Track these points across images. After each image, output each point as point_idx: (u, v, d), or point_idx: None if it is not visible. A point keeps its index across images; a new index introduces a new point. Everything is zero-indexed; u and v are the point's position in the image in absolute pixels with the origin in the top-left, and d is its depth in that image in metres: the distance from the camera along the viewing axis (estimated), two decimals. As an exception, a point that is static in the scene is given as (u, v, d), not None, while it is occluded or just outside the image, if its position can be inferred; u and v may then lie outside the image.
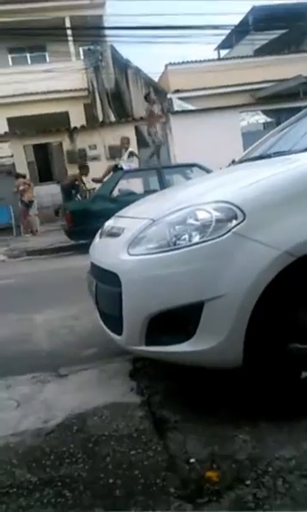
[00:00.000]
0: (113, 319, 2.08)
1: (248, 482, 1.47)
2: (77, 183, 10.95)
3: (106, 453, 1.72)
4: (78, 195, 10.76)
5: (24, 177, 12.21)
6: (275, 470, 1.52)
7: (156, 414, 1.97)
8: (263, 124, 14.77)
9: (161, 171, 8.60)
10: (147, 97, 11.39)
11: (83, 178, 10.78)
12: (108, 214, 3.04)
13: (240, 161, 2.98)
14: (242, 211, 1.80)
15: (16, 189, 11.82)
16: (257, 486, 1.45)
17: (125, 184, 8.60)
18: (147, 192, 7.37)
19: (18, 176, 12.20)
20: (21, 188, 11.88)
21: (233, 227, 1.79)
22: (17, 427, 2.00)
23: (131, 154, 10.12)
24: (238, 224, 1.79)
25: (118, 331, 2.03)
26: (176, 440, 1.75)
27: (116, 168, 9.44)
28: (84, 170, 11.06)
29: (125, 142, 10.37)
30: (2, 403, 2.26)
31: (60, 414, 2.06)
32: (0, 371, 2.66)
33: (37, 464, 1.70)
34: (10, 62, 19.50)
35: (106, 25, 18.00)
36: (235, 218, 1.80)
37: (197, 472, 1.55)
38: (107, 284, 2.16)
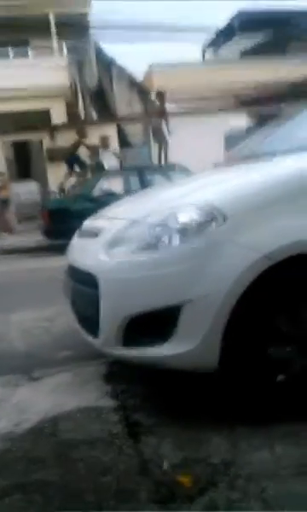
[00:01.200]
0: (90, 321, 2.05)
1: (221, 485, 1.47)
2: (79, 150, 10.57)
3: (78, 457, 1.69)
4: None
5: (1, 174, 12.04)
6: (249, 474, 1.52)
7: (130, 418, 1.95)
8: (247, 127, 14.88)
9: (143, 171, 8.59)
10: (157, 94, 11.37)
11: (84, 150, 10.48)
12: (88, 214, 3.01)
13: (223, 164, 2.99)
14: (223, 213, 1.80)
15: None
16: (230, 490, 1.45)
17: (106, 184, 8.55)
18: (128, 192, 7.34)
19: None
20: None
21: (213, 229, 1.79)
22: (-13, 428, 1.95)
23: (116, 156, 10.11)
24: (218, 226, 1.79)
25: (95, 333, 2.01)
26: (150, 444, 1.74)
27: (98, 166, 9.39)
28: (82, 135, 10.82)
29: (106, 141, 10.31)
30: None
31: (33, 417, 2.02)
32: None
33: (7, 468, 1.67)
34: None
35: (91, 22, 17.87)
36: (216, 220, 1.80)
37: (170, 476, 1.54)
38: (84, 285, 2.13)
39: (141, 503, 1.42)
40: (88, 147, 10.51)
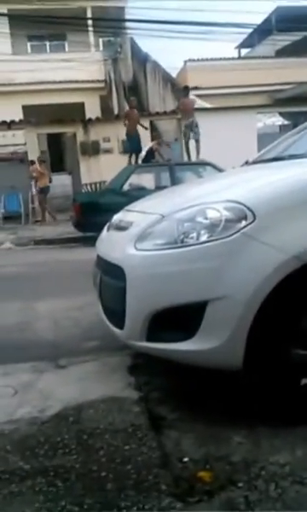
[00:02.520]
0: (116, 313, 2.07)
1: (240, 484, 1.47)
2: (155, 151, 10.58)
3: (100, 446, 1.72)
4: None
5: (34, 163, 12.26)
6: (269, 474, 1.51)
7: (153, 410, 1.97)
8: (280, 126, 14.67)
9: (173, 167, 8.58)
10: (185, 89, 11.34)
11: (160, 149, 10.52)
12: (117, 208, 3.02)
13: (254, 162, 2.96)
14: (253, 212, 1.79)
15: (31, 176, 11.94)
16: (250, 489, 1.45)
17: (136, 179, 8.58)
18: (158, 188, 7.36)
19: (32, 163, 12.24)
20: (34, 175, 11.93)
21: (242, 228, 1.78)
22: (13, 414, 2.00)
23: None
24: (247, 224, 1.77)
25: (120, 325, 2.02)
26: (172, 438, 1.75)
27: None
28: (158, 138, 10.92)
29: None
30: (0, 390, 2.26)
31: (57, 404, 2.06)
32: (1, 358, 2.66)
33: (30, 452, 1.71)
34: (29, 50, 19.47)
35: (127, 17, 17.91)
36: (245, 218, 1.78)
37: (190, 471, 1.55)
38: (111, 278, 2.15)
39: (161, 495, 1.43)
40: (161, 154, 10.50)
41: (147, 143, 10.58)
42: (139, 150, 10.36)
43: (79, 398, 2.11)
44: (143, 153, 10.19)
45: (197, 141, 10.56)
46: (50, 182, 12.27)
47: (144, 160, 10.12)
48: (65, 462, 1.63)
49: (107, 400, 2.07)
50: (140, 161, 10.08)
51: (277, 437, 1.71)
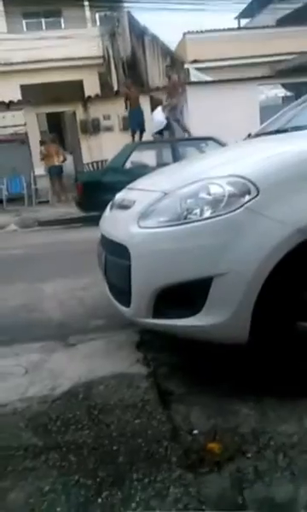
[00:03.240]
0: (122, 291, 2.08)
1: (249, 455, 1.50)
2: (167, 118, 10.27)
3: (110, 421, 1.75)
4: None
5: (44, 143, 12.13)
6: (277, 445, 1.54)
7: (161, 385, 1.99)
8: (282, 98, 14.40)
9: (175, 144, 8.48)
10: (169, 67, 11.11)
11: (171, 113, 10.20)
12: (120, 186, 3.01)
13: (257, 135, 2.92)
14: (256, 186, 1.77)
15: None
16: (258, 459, 1.48)
17: (138, 156, 8.50)
18: (160, 165, 7.28)
19: (41, 143, 12.20)
20: (40, 156, 11.90)
21: (245, 202, 1.76)
22: (24, 393, 2.04)
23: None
24: (251, 199, 1.76)
25: (126, 303, 2.04)
26: (180, 412, 1.78)
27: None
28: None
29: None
30: (11, 369, 2.30)
31: (67, 382, 2.09)
32: (9, 339, 2.71)
33: (43, 429, 1.75)
34: (25, 28, 19.08)
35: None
36: (249, 193, 1.77)
37: (199, 443, 1.58)
38: (116, 256, 2.16)
39: (172, 467, 1.46)
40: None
41: (155, 115, 10.32)
42: (143, 126, 10.22)
43: (89, 375, 2.14)
44: (159, 126, 10.02)
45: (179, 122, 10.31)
46: (64, 161, 12.02)
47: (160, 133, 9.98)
48: (77, 438, 1.67)
49: (116, 376, 2.10)
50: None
51: (284, 408, 1.74)
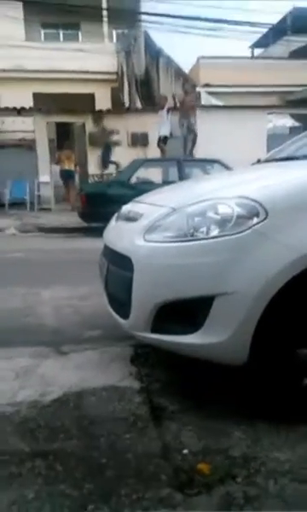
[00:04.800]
0: (121, 303, 2.07)
1: (239, 479, 1.47)
2: None
3: (100, 433, 1.72)
4: None
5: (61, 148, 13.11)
6: (268, 471, 1.51)
7: (154, 401, 1.97)
8: (290, 128, 14.64)
9: (182, 163, 8.55)
10: (184, 86, 11.28)
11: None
12: (124, 200, 3.02)
13: (266, 161, 2.95)
14: (265, 209, 1.78)
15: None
16: (249, 484, 1.44)
17: (144, 172, 8.56)
18: (166, 183, 7.34)
19: (59, 148, 13.10)
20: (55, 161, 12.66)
21: (254, 224, 1.77)
22: (14, 397, 2.00)
23: None
24: (259, 222, 1.77)
25: (125, 315, 2.02)
26: (172, 430, 1.75)
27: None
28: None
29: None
30: (2, 373, 2.26)
31: (58, 390, 2.06)
32: (2, 342, 2.67)
33: (30, 435, 1.71)
34: (42, 37, 19.37)
35: (142, 9, 17.80)
36: (257, 215, 1.78)
37: (189, 463, 1.55)
38: (118, 267, 2.15)
39: (161, 485, 1.43)
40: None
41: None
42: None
43: (80, 384, 2.11)
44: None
45: (193, 141, 10.47)
46: (75, 166, 12.77)
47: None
48: (65, 447, 1.63)
49: (108, 388, 2.07)
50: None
51: (278, 434, 1.71)
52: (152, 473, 1.50)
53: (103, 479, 1.47)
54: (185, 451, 1.61)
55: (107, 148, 12.16)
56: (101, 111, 13.49)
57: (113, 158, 11.82)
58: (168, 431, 1.74)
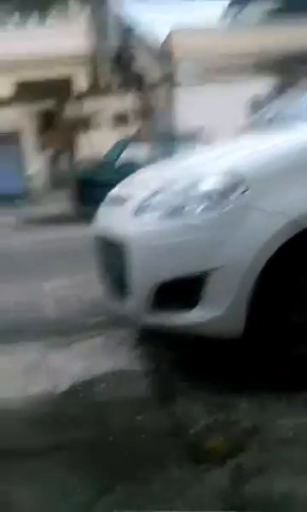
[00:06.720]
0: (118, 288, 2.09)
1: (250, 450, 1.50)
2: None
3: (113, 418, 1.76)
4: None
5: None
6: (276, 439, 1.54)
7: (161, 382, 2.00)
8: (269, 93, 14.37)
9: (167, 141, 8.48)
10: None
11: None
12: (113, 183, 3.00)
13: (244, 130, 2.93)
14: (247, 179, 1.78)
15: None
16: (259, 454, 1.48)
17: (130, 153, 8.49)
18: (151, 161, 7.28)
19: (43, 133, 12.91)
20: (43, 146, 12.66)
21: (237, 196, 1.77)
22: (24, 391, 2.04)
23: None
24: (243, 192, 1.77)
25: (123, 300, 2.04)
26: (181, 407, 1.79)
27: None
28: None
29: None
30: (11, 367, 2.30)
31: (67, 380, 2.09)
32: (8, 337, 2.70)
33: (44, 428, 1.75)
34: (12, 24, 18.84)
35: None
36: (240, 186, 1.78)
37: (200, 439, 1.59)
38: (112, 252, 2.16)
39: (174, 463, 1.47)
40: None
41: None
42: None
43: (89, 372, 2.14)
44: None
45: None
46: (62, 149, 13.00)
47: None
48: (79, 435, 1.67)
49: (116, 373, 2.11)
50: None
51: (281, 402, 1.75)
52: (165, 451, 1.53)
53: (119, 461, 1.50)
54: (195, 428, 1.65)
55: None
56: (79, 94, 13.27)
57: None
58: (178, 409, 1.78)
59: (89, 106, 12.74)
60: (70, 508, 1.34)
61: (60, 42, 15.51)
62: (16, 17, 18.56)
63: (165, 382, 1.99)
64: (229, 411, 1.72)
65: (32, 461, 1.57)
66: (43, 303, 3.43)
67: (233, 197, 1.77)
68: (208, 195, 1.82)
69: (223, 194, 1.79)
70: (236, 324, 1.77)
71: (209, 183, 1.85)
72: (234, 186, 1.78)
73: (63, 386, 2.05)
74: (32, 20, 18.53)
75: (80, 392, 1.98)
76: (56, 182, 12.82)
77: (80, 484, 1.42)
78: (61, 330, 2.75)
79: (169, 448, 1.55)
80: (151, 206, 2.00)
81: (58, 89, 13.73)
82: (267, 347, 1.81)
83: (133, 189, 2.45)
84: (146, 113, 11.11)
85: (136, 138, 9.64)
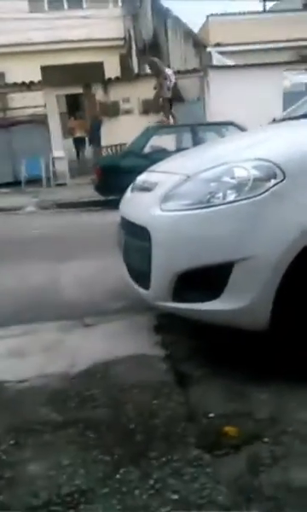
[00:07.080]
0: (141, 274, 2.08)
1: (266, 440, 1.50)
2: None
3: (128, 400, 1.77)
4: None
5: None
6: (294, 431, 1.53)
7: (179, 368, 2.00)
8: (307, 84, 14.08)
9: (195, 128, 8.39)
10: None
11: None
12: (139, 170, 2.99)
13: (283, 120, 2.86)
14: (282, 170, 1.74)
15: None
16: (275, 445, 1.47)
17: (158, 141, 8.42)
18: (180, 150, 7.21)
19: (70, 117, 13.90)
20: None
21: (271, 186, 1.74)
22: (43, 370, 2.07)
23: None
24: (277, 183, 1.74)
25: (146, 286, 2.04)
26: (198, 394, 1.79)
27: None
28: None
29: None
30: (30, 347, 2.33)
31: (85, 361, 2.11)
32: (29, 317, 2.74)
33: (61, 405, 1.77)
34: (46, 7, 18.84)
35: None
36: (274, 177, 1.74)
37: (216, 426, 1.59)
38: (136, 238, 2.16)
39: (189, 448, 1.47)
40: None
41: None
42: None
43: (107, 355, 2.16)
44: None
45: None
46: (86, 133, 13.06)
47: None
48: (95, 415, 1.69)
49: (134, 357, 2.12)
50: None
51: (301, 395, 1.72)
52: (179, 436, 1.54)
53: (132, 444, 1.52)
54: (211, 415, 1.65)
55: (96, 124, 12.05)
56: (110, 79, 13.21)
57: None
58: (194, 396, 1.78)
59: (119, 92, 12.64)
60: (84, 480, 1.36)
61: (94, 27, 15.46)
62: (51, 1, 18.59)
63: (183, 368, 1.99)
64: (247, 401, 1.72)
65: (48, 435, 1.59)
66: (66, 286, 3.46)
67: (267, 187, 1.73)
68: (240, 184, 1.79)
69: (258, 182, 1.75)
70: (261, 316, 1.75)
71: (242, 171, 1.81)
72: (270, 175, 1.74)
73: (81, 365, 2.08)
74: (67, 3, 18.53)
75: (98, 373, 2.00)
76: (82, 167, 12.84)
77: (94, 460, 1.44)
78: (82, 312, 2.77)
79: (183, 433, 1.55)
80: (179, 194, 1.98)
81: (88, 74, 13.67)
82: (292, 339, 1.79)
83: (161, 176, 2.43)
84: (176, 100, 10.94)
85: (165, 125, 9.54)
